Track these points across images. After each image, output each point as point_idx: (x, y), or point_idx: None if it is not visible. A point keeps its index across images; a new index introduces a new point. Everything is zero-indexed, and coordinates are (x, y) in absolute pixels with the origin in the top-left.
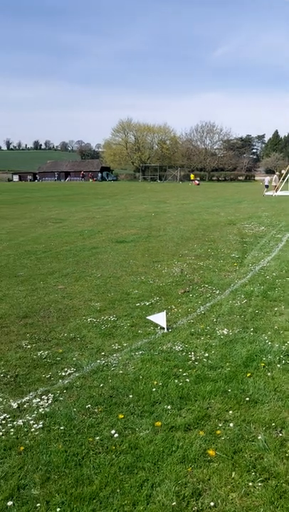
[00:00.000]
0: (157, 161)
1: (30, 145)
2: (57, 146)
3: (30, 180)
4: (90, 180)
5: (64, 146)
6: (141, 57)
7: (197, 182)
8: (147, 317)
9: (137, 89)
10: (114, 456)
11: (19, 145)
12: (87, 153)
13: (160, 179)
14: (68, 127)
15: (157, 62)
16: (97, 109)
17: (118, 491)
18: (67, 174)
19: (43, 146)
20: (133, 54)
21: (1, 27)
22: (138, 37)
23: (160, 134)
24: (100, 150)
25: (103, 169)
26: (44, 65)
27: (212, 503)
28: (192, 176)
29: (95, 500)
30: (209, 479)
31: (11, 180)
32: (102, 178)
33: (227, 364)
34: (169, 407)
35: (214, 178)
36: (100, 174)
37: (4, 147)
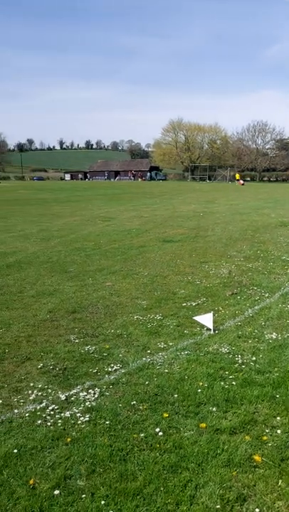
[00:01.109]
0: (207, 161)
1: (82, 145)
2: (108, 146)
3: (81, 179)
4: (139, 179)
5: (114, 146)
6: (194, 57)
7: (242, 182)
8: (194, 317)
9: (189, 89)
10: (158, 454)
11: (72, 145)
12: (136, 153)
13: (209, 179)
14: (119, 127)
15: (210, 62)
16: (148, 109)
17: (162, 489)
18: (116, 173)
19: (94, 146)
20: (186, 54)
21: (61, 29)
22: (191, 37)
23: (211, 133)
24: (149, 149)
25: (152, 169)
26: (100, 66)
27: (257, 510)
28: (237, 176)
29: (138, 497)
30: (255, 485)
31: (63, 178)
32: (151, 178)
33: (275, 369)
34: (214, 409)
35: (265, 179)
36: (148, 173)
37: (58, 147)
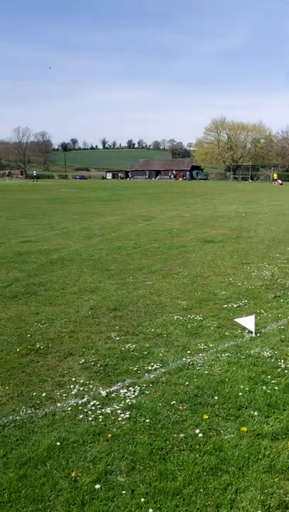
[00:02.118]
0: (250, 160)
1: (124, 144)
2: (149, 145)
3: (122, 178)
4: (180, 178)
5: (156, 145)
6: (239, 55)
7: (280, 182)
8: (235, 319)
9: (233, 87)
10: (198, 455)
11: (114, 144)
12: (178, 152)
13: (252, 179)
14: (161, 126)
15: (254, 60)
16: (191, 108)
17: (202, 490)
18: (157, 173)
19: (136, 145)
20: (231, 52)
21: (106, 31)
22: (236, 35)
23: (254, 132)
24: (191, 149)
25: (193, 168)
26: (143, 66)
27: None
28: (275, 176)
29: (178, 497)
30: None
31: (105, 178)
32: (192, 177)
33: None
34: (255, 413)
35: None
36: (188, 173)
37: (100, 146)
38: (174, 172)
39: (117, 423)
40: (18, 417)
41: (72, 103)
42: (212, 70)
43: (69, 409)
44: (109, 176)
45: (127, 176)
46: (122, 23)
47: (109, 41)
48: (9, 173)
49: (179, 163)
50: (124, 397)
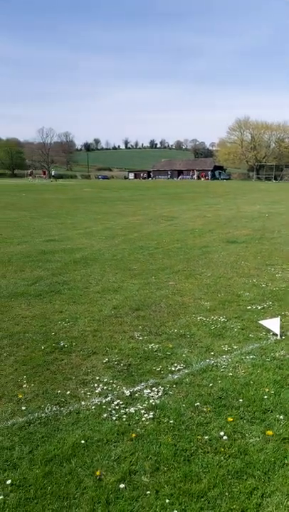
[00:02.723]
0: (274, 160)
1: (147, 144)
2: (172, 145)
3: (144, 178)
4: (202, 178)
5: (178, 145)
6: (262, 54)
7: None
8: (259, 321)
9: (256, 86)
10: (222, 458)
11: (136, 144)
12: (200, 152)
13: (275, 179)
14: (184, 126)
15: (278, 58)
16: (214, 108)
17: (227, 494)
18: (180, 173)
19: (159, 145)
20: (252, 51)
21: (128, 31)
22: (259, 34)
23: (278, 131)
24: (213, 149)
25: (216, 168)
26: (166, 67)
27: None
28: None
29: (203, 499)
30: None
31: (127, 178)
32: (214, 177)
33: None
34: (281, 417)
35: None
36: (209, 173)
37: (122, 146)
38: (196, 172)
39: (140, 423)
40: (43, 414)
41: (95, 103)
42: (236, 68)
43: (93, 407)
44: (131, 175)
45: (149, 176)
46: (146, 23)
47: (133, 41)
48: (31, 172)
49: (201, 163)
50: (148, 397)
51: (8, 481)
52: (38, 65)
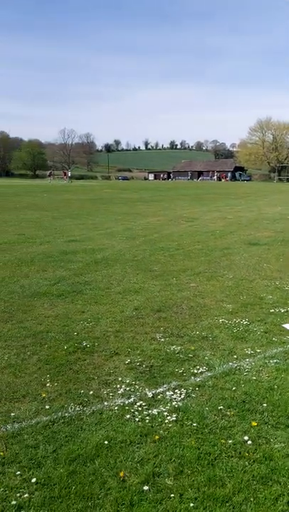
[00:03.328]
0: None
1: (167, 145)
2: (192, 146)
3: (164, 179)
4: (222, 179)
5: (199, 146)
6: (284, 54)
7: None
8: (283, 325)
9: (279, 86)
10: (247, 463)
11: (156, 145)
12: (221, 153)
13: None
14: (204, 127)
15: None
16: (235, 108)
17: (252, 499)
18: (200, 174)
19: (179, 146)
20: (276, 51)
21: (150, 32)
22: (279, 33)
23: None
24: (234, 150)
25: (236, 169)
26: (187, 67)
27: None
28: None
29: (228, 504)
30: None
31: (147, 178)
32: (234, 178)
33: None
34: None
35: None
36: (230, 174)
37: (143, 147)
38: (217, 173)
39: (163, 425)
40: (66, 414)
41: (116, 104)
42: (256, 69)
43: (116, 408)
44: (151, 176)
45: (168, 177)
46: (165, 24)
47: (152, 42)
48: (50, 173)
49: (221, 164)
50: (171, 400)
51: (33, 480)
52: (60, 66)
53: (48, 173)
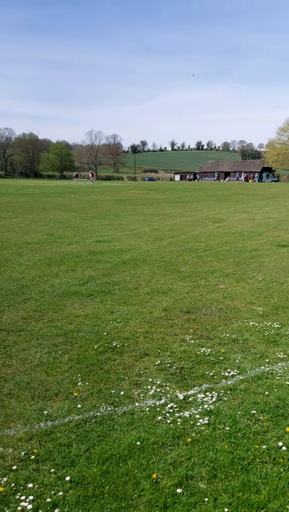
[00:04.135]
0: None
1: (193, 146)
2: (219, 147)
3: (190, 179)
4: (250, 180)
5: (226, 147)
6: None
7: None
8: None
9: None
10: (282, 469)
11: (182, 146)
12: (248, 154)
13: None
14: (231, 127)
15: None
16: (263, 108)
17: (288, 507)
18: (226, 174)
19: (205, 147)
20: None
21: (177, 33)
22: None
23: None
24: (262, 150)
25: (264, 170)
26: (215, 67)
27: None
28: None
29: (263, 511)
30: None
31: (173, 179)
32: (261, 179)
33: None
34: None
35: None
36: (257, 174)
37: (169, 148)
38: (244, 174)
39: (195, 428)
40: (98, 413)
41: (142, 105)
42: (286, 68)
43: (147, 409)
44: (177, 177)
45: (195, 178)
46: (192, 24)
47: (180, 42)
48: (76, 175)
49: (249, 165)
50: (202, 402)
51: (67, 478)
52: (89, 68)
53: (74, 174)
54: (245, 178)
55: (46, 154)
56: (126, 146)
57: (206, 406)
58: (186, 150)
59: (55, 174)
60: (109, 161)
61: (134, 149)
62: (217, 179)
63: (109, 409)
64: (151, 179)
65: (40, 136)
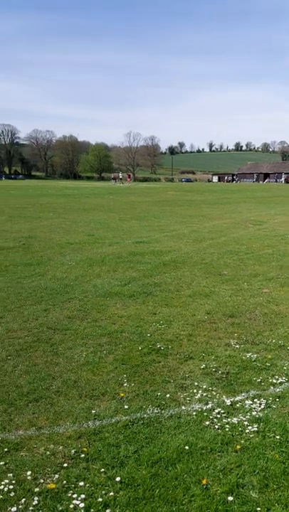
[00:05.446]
0: None
1: (232, 147)
2: (258, 148)
3: (228, 181)
4: None
5: (265, 147)
6: None
7: None
8: None
9: None
10: None
11: (221, 147)
12: None
13: None
14: (271, 128)
15: None
16: None
17: None
18: (266, 176)
19: (244, 148)
20: None
21: (214, 34)
22: None
23: None
24: None
25: None
26: (252, 67)
27: None
28: None
29: None
30: None
31: (211, 180)
32: None
33: None
34: None
35: None
36: None
37: (207, 149)
38: (284, 175)
39: (244, 435)
40: (145, 415)
41: (181, 107)
42: None
43: (194, 413)
44: (214, 178)
45: (233, 179)
46: (228, 23)
47: (217, 43)
48: (114, 177)
49: None
50: (250, 409)
51: (118, 478)
52: (128, 71)
53: (112, 175)
54: (285, 179)
55: (85, 156)
56: (163, 147)
57: (254, 413)
58: (224, 151)
59: (94, 176)
60: (147, 162)
61: (172, 151)
62: (256, 181)
63: (155, 411)
64: (188, 180)
65: (80, 138)
